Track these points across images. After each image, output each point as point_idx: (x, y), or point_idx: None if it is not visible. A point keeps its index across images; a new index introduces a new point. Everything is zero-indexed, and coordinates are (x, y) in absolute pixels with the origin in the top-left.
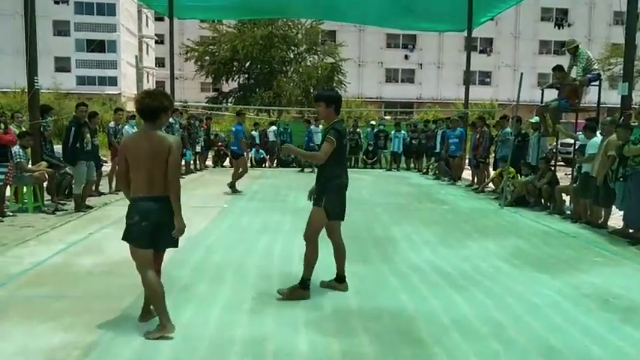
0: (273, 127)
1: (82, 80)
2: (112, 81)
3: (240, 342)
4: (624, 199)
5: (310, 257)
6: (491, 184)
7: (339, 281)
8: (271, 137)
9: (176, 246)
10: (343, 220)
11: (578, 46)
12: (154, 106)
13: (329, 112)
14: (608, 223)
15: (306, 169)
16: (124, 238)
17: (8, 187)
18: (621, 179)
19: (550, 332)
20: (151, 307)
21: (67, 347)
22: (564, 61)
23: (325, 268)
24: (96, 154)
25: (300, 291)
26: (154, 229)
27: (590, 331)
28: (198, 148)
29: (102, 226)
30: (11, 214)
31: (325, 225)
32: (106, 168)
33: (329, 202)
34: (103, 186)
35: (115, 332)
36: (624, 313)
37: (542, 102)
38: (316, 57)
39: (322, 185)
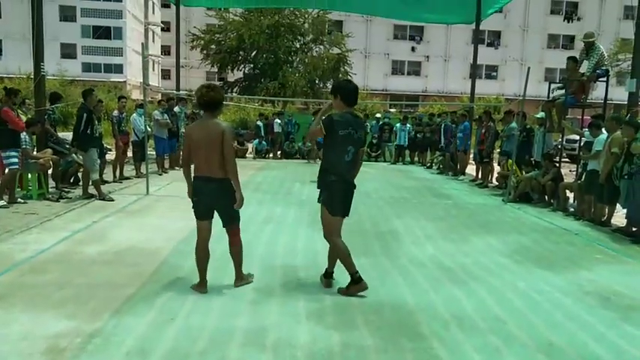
0: (278, 120)
1: (87, 67)
2: (118, 68)
3: (241, 332)
4: (628, 196)
5: (337, 254)
6: (495, 180)
7: (326, 276)
8: (276, 128)
9: (232, 222)
10: (344, 215)
11: (594, 41)
12: (218, 98)
13: (337, 103)
14: (612, 221)
15: (311, 161)
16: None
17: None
18: (625, 177)
19: (550, 329)
20: (243, 271)
21: (70, 334)
22: (574, 54)
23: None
24: (100, 142)
25: (354, 286)
26: (208, 205)
27: (591, 329)
28: None
29: (106, 215)
30: (22, 200)
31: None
32: (110, 156)
33: (326, 198)
34: (107, 174)
35: (118, 320)
36: (625, 311)
37: (548, 97)
38: (322, 47)
39: (319, 179)
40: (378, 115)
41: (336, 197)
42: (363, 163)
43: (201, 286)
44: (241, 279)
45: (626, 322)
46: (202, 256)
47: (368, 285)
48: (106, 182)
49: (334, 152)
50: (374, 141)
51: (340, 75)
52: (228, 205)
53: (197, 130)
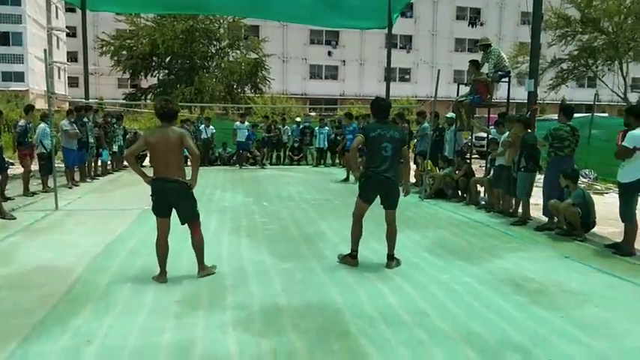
0: (203, 126)
1: None
2: (19, 76)
3: (165, 348)
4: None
5: (352, 230)
6: (412, 178)
7: (388, 258)
8: (203, 135)
9: (192, 219)
10: (367, 202)
11: (490, 44)
12: (175, 109)
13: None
14: (519, 211)
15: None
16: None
17: None
18: (522, 170)
19: (470, 317)
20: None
21: None
22: (478, 58)
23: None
24: (1, 156)
25: (349, 259)
26: (165, 203)
27: (506, 314)
28: (115, 148)
29: (9, 234)
30: None
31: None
32: (13, 171)
33: (359, 185)
34: (10, 190)
35: (26, 350)
36: (533, 295)
37: (457, 97)
38: (239, 52)
39: (361, 175)
40: (299, 119)
41: (365, 186)
42: (285, 166)
43: (162, 276)
44: (203, 270)
45: (536, 305)
46: (163, 248)
47: (393, 265)
48: (9, 199)
49: (369, 153)
50: (295, 145)
51: (258, 80)
52: (186, 204)
53: (155, 137)
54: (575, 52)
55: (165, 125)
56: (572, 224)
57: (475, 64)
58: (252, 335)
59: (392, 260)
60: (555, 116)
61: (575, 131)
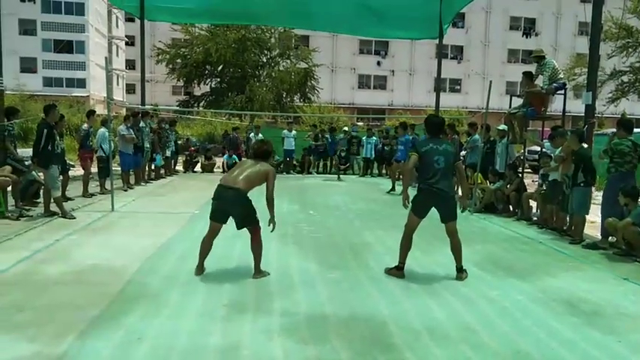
0: (253, 133)
1: (48, 82)
2: (80, 83)
3: (213, 350)
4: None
5: (401, 241)
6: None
7: (458, 271)
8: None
9: (249, 225)
10: (420, 216)
11: (544, 56)
12: (268, 150)
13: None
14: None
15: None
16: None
17: None
18: (582, 185)
19: (520, 336)
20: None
21: (31, 359)
22: (532, 69)
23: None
24: (63, 159)
25: (395, 271)
26: (223, 210)
27: (558, 335)
28: (168, 153)
29: (69, 233)
30: None
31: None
32: (74, 172)
33: (413, 199)
34: (70, 191)
35: (82, 343)
36: (589, 316)
37: (509, 109)
38: (289, 62)
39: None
40: (346, 129)
41: (418, 200)
42: (332, 175)
43: (199, 270)
44: (258, 273)
45: (591, 327)
46: (206, 247)
47: (463, 278)
48: (70, 199)
49: (422, 167)
50: (342, 154)
51: (307, 89)
52: (243, 212)
53: (248, 161)
54: (637, 64)
55: (259, 160)
56: (631, 244)
57: (529, 76)
58: (297, 342)
59: (461, 272)
60: (610, 129)
61: (637, 146)
